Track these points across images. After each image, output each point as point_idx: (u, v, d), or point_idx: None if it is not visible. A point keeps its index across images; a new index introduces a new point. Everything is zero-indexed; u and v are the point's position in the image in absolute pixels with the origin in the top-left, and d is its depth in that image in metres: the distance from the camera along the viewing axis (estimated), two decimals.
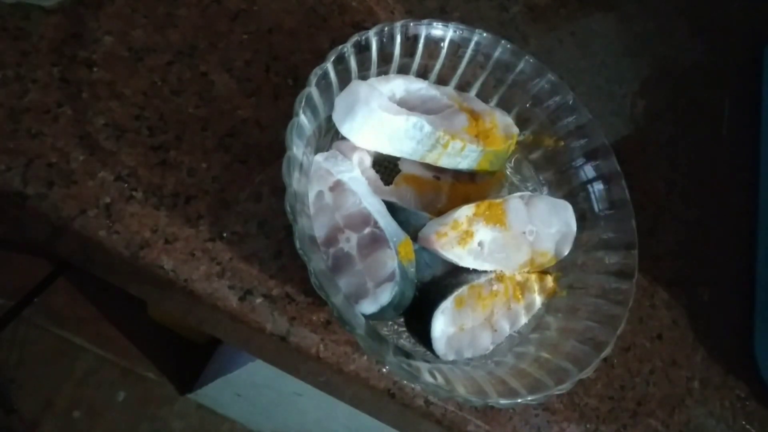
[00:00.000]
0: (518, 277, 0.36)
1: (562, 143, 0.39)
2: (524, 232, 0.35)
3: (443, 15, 0.46)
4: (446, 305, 0.32)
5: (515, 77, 0.39)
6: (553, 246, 0.36)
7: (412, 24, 0.35)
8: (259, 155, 0.36)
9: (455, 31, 0.37)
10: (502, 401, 0.29)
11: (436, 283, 0.35)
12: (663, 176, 0.50)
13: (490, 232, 0.34)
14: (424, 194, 0.37)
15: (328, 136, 0.35)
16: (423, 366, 0.29)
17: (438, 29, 0.36)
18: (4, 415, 0.91)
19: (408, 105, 0.36)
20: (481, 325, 0.34)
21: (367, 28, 0.33)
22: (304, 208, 0.29)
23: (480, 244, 0.34)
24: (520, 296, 0.35)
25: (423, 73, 0.38)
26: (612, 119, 0.50)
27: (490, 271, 0.35)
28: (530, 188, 0.40)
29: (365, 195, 0.32)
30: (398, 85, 0.36)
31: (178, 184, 0.33)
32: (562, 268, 0.37)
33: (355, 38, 0.33)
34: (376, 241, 0.31)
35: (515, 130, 0.38)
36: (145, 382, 1.00)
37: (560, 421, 0.38)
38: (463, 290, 0.33)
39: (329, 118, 0.34)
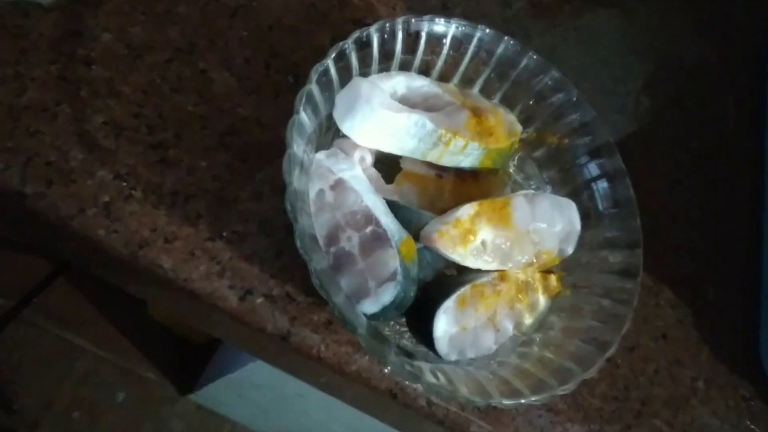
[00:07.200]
0: (521, 277, 0.35)
1: (566, 141, 0.39)
2: (528, 231, 0.35)
3: (445, 11, 0.46)
4: (448, 305, 0.32)
5: (518, 74, 0.38)
6: (556, 245, 0.36)
7: (413, 20, 0.35)
8: (260, 153, 0.35)
9: (457, 28, 0.36)
10: (506, 402, 0.28)
11: (438, 282, 0.34)
12: (667, 174, 0.50)
13: (492, 230, 0.34)
14: (426, 193, 0.36)
15: (329, 134, 0.35)
16: (425, 366, 0.29)
17: (440, 25, 0.36)
18: (4, 415, 0.91)
19: (410, 102, 0.35)
20: (484, 324, 0.34)
21: (368, 25, 0.33)
22: (304, 206, 0.29)
23: (483, 243, 0.34)
24: (523, 296, 0.35)
25: (425, 70, 0.38)
26: (616, 117, 0.50)
27: (493, 270, 0.34)
28: (533, 186, 0.40)
29: (366, 193, 0.32)
30: (400, 82, 0.36)
31: (177, 183, 0.33)
32: (565, 267, 0.37)
33: (356, 35, 0.32)
34: (377, 240, 0.31)
35: (518, 127, 0.38)
36: (145, 382, 1.00)
37: (564, 421, 0.37)
38: (465, 289, 0.33)
39: (330, 116, 0.33)
